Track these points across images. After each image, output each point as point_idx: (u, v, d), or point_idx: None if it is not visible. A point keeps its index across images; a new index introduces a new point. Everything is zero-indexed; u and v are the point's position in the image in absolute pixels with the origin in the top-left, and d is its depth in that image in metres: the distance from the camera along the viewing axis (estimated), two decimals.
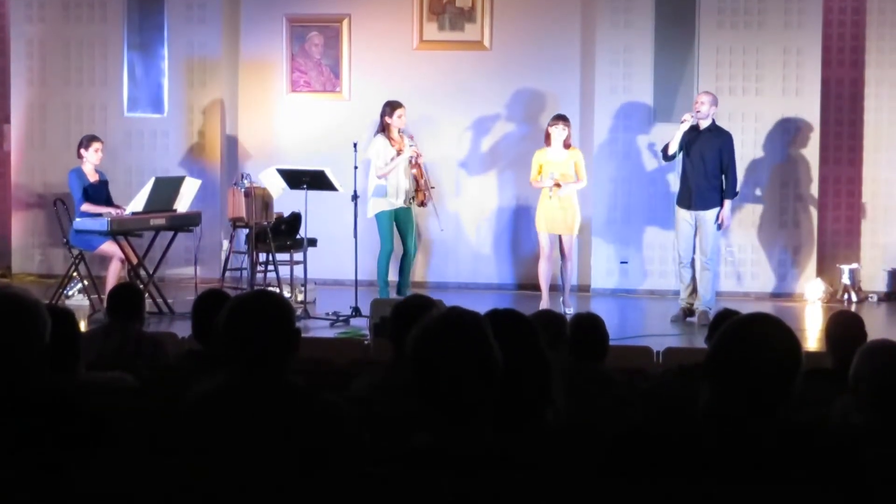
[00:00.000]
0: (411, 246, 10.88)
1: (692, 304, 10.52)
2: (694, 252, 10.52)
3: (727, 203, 10.40)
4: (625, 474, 2.92)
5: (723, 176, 10.38)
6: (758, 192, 12.06)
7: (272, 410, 3.31)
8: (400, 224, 10.80)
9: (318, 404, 3.36)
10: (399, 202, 10.69)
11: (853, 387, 3.69)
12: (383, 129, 10.70)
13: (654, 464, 2.93)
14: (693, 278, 10.54)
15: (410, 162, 10.64)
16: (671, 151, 10.44)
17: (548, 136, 10.74)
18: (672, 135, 10.56)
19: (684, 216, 10.45)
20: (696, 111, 10.37)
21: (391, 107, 10.70)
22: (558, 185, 10.55)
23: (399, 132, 10.71)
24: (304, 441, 3.24)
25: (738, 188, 10.59)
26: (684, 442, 2.95)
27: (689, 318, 10.51)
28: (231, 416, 3.30)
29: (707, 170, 10.32)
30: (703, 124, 10.38)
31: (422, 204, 10.83)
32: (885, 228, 12.35)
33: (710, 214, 10.37)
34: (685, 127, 10.32)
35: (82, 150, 10.76)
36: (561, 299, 10.81)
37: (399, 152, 10.60)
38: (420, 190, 10.74)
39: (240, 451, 3.22)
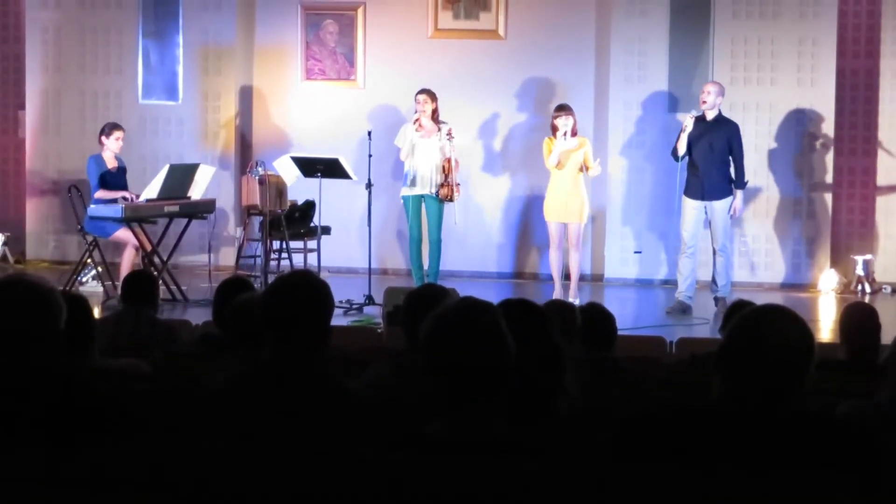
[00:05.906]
0: (434, 235, 10.88)
1: (690, 299, 10.46)
2: (700, 240, 10.50)
3: (739, 194, 10.40)
4: (636, 463, 2.93)
5: (731, 166, 10.38)
6: (772, 182, 12.03)
7: (300, 392, 3.35)
8: (426, 211, 10.85)
9: (336, 386, 3.40)
10: (420, 190, 10.72)
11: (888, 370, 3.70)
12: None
13: (666, 452, 2.93)
14: (693, 270, 10.51)
15: (444, 152, 10.71)
16: (681, 153, 10.36)
17: (555, 129, 10.73)
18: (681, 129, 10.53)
19: (693, 205, 10.43)
20: (703, 101, 10.38)
21: (415, 94, 10.87)
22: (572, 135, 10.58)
23: (433, 115, 10.77)
24: (323, 424, 3.27)
25: (745, 178, 10.52)
26: (696, 431, 2.95)
27: (685, 313, 10.39)
28: (263, 396, 3.35)
29: (717, 160, 10.30)
30: (710, 115, 10.37)
31: (447, 199, 10.82)
32: None
33: (722, 204, 10.36)
34: (689, 129, 10.28)
35: (103, 138, 10.80)
36: (569, 290, 10.76)
37: (420, 128, 10.72)
38: (445, 185, 10.74)
39: (264, 430, 3.25)
